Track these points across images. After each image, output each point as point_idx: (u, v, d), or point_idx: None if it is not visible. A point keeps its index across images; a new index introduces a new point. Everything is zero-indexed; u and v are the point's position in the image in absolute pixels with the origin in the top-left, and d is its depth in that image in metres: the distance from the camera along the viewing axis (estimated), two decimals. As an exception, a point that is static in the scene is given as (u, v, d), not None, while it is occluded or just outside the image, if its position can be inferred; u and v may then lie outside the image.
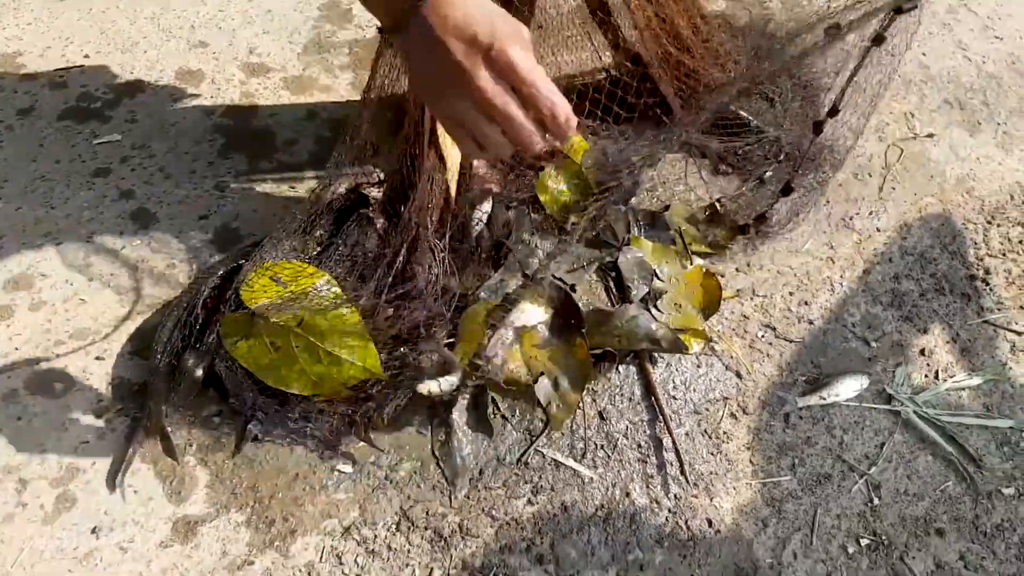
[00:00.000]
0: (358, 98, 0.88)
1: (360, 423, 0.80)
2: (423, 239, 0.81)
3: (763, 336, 0.96)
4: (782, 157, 1.11)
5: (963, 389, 0.94)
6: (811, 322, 0.98)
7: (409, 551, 0.77)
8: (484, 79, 0.54)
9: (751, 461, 0.86)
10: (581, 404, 0.87)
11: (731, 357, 0.94)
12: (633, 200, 1.03)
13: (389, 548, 0.77)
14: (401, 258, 0.81)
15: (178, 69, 1.18)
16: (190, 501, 0.78)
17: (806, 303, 0.99)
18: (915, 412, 0.91)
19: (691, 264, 0.99)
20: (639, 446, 0.86)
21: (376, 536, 0.78)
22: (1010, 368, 0.96)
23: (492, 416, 0.86)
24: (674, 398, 0.90)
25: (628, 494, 0.83)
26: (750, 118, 1.10)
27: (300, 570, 0.76)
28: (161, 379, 0.82)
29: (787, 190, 0.94)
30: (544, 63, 1.16)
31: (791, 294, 1.00)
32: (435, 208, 0.83)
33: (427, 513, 0.80)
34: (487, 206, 0.96)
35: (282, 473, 0.81)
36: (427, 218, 0.82)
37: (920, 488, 0.86)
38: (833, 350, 0.96)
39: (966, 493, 0.86)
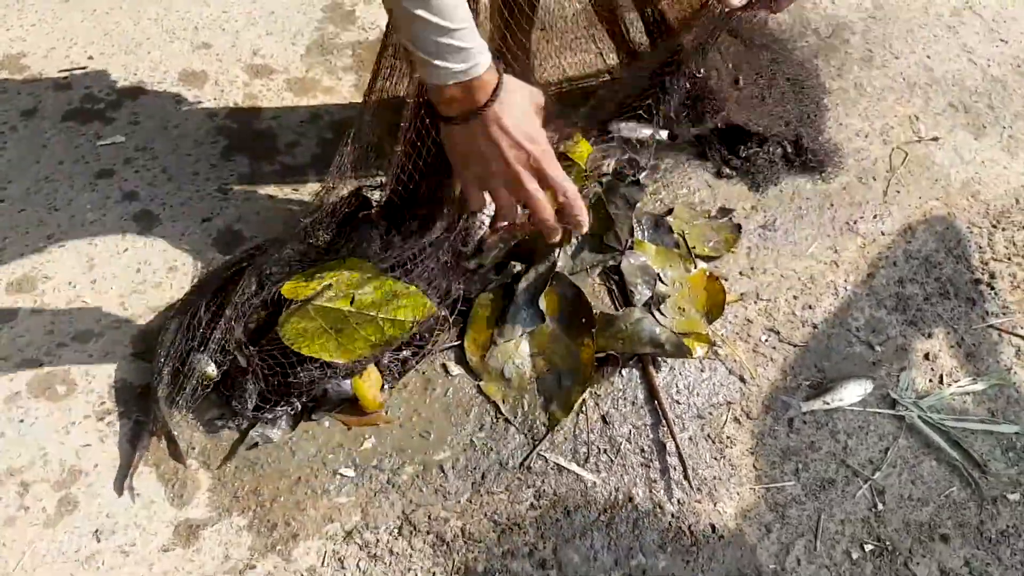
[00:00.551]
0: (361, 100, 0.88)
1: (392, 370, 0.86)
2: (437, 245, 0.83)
3: (767, 340, 0.96)
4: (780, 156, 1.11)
5: (968, 394, 0.93)
6: (815, 326, 0.97)
7: (411, 555, 0.77)
8: (523, 173, 0.73)
9: (755, 466, 0.86)
10: (584, 407, 0.87)
11: (735, 361, 0.93)
12: (637, 203, 1.02)
13: (391, 552, 0.77)
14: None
15: (181, 71, 1.18)
16: (192, 504, 0.78)
17: (810, 307, 0.99)
18: (919, 417, 0.90)
19: (695, 268, 0.98)
20: (642, 450, 0.86)
21: (378, 540, 0.78)
22: (1015, 373, 0.95)
23: (495, 420, 0.86)
24: (677, 402, 0.89)
25: (631, 499, 0.82)
26: (755, 125, 1.10)
27: (302, 574, 0.75)
28: (165, 383, 0.82)
29: None
30: (548, 65, 1.16)
31: (795, 298, 1.00)
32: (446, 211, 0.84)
33: (429, 517, 0.79)
34: (490, 210, 0.95)
35: (284, 477, 0.81)
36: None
37: (924, 493, 0.85)
38: (837, 354, 0.95)
39: (971, 499, 0.85)
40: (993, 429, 0.90)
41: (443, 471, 0.82)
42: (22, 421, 0.82)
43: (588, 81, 1.17)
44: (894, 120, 1.22)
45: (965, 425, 0.90)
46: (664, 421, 0.87)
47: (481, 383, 0.88)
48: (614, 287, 0.97)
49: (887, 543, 0.82)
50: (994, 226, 1.10)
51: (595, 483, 0.83)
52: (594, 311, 0.89)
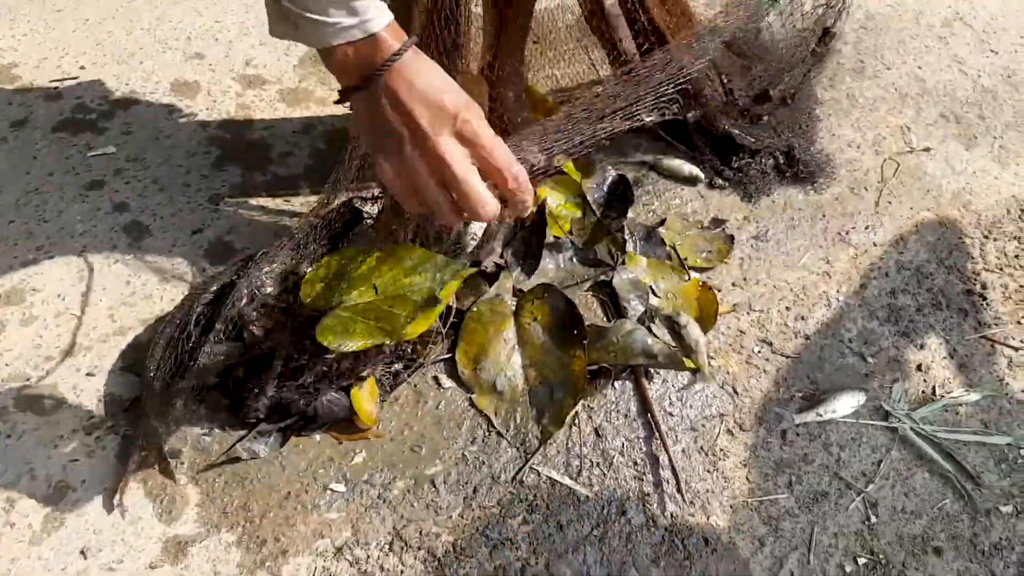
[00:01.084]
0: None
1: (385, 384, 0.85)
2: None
3: (760, 351, 0.95)
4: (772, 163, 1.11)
5: (960, 405, 0.93)
6: (808, 337, 0.97)
7: (402, 571, 0.77)
8: (447, 144, 0.58)
9: (748, 479, 0.86)
10: (577, 420, 0.87)
11: (727, 373, 0.93)
12: (629, 215, 1.02)
13: (382, 569, 0.77)
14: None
15: (174, 81, 1.18)
16: (180, 521, 0.78)
17: (802, 318, 0.99)
18: (912, 429, 0.90)
19: (687, 278, 0.98)
20: (635, 464, 0.85)
21: (369, 556, 0.77)
22: (1008, 384, 0.95)
23: (487, 433, 0.85)
24: (670, 415, 0.89)
25: (624, 512, 0.82)
26: (746, 135, 1.10)
27: (292, 591, 0.75)
28: (155, 397, 0.81)
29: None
30: (540, 76, 1.16)
31: (787, 309, 1.00)
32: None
33: (420, 533, 0.79)
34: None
35: (274, 492, 0.80)
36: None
37: (918, 506, 0.85)
38: (830, 366, 0.95)
39: (964, 511, 0.85)
40: (986, 440, 0.90)
41: (435, 486, 0.82)
42: (9, 436, 0.81)
43: (582, 92, 1.17)
44: (886, 131, 1.22)
45: (958, 437, 0.90)
46: (657, 434, 0.86)
47: (473, 396, 0.87)
48: (606, 299, 0.97)
49: (880, 556, 0.82)
50: (986, 236, 1.10)
51: (588, 497, 0.82)
52: (585, 323, 0.89)
